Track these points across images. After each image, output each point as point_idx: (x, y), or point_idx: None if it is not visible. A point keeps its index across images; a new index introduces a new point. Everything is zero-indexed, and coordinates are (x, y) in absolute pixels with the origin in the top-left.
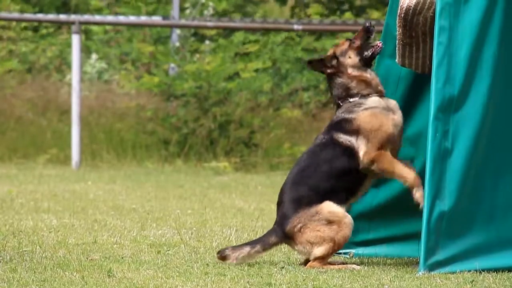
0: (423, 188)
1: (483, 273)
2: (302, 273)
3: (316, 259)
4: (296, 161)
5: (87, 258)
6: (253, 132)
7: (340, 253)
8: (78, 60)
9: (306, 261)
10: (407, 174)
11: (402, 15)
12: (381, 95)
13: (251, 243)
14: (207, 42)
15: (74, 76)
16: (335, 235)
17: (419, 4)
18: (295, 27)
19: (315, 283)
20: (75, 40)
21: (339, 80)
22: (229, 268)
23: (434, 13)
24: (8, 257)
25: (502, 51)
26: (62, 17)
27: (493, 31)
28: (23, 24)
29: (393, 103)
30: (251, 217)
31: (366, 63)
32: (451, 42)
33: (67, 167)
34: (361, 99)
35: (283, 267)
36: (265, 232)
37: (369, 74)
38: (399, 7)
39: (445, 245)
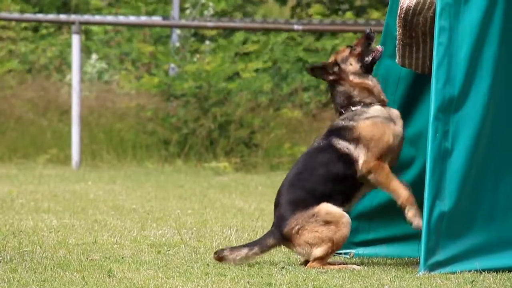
0: (415, 207)
1: (483, 273)
2: (302, 273)
3: (315, 259)
4: (294, 162)
5: (87, 258)
6: (253, 132)
7: (340, 253)
8: (78, 60)
9: (306, 261)
10: (401, 192)
11: (402, 15)
12: (383, 104)
13: (249, 245)
14: (207, 42)
15: (74, 76)
16: (333, 235)
17: (419, 5)
18: (295, 27)
19: (315, 283)
20: (75, 40)
21: (341, 88)
22: (229, 268)
23: (434, 13)
24: (8, 257)
25: (502, 52)
26: (62, 17)
27: (493, 32)
28: (23, 24)
29: (395, 112)
30: (251, 217)
31: (367, 69)
32: (451, 42)
33: (67, 167)
34: (364, 108)
35: (283, 267)
36: (265, 232)
37: (370, 81)
38: (399, 7)
39: (445, 245)
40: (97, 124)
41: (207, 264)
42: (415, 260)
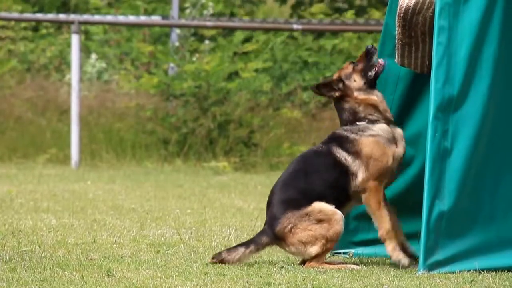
0: (395, 241)
1: (482, 273)
2: (301, 273)
3: (312, 258)
4: (291, 162)
5: (86, 258)
6: (253, 132)
7: (340, 253)
8: (77, 60)
9: (304, 261)
10: (385, 224)
11: (402, 15)
12: (388, 122)
13: (245, 244)
14: (206, 42)
15: (74, 76)
16: (326, 233)
17: (419, 4)
18: (295, 27)
19: (314, 282)
20: (75, 40)
21: (346, 105)
22: (228, 268)
23: (433, 13)
24: (7, 257)
25: (502, 51)
26: (62, 16)
27: (493, 31)
28: (23, 24)
29: (399, 132)
30: (250, 217)
31: (371, 84)
32: (451, 42)
33: (66, 167)
34: (369, 124)
35: (282, 267)
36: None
37: (375, 97)
38: (399, 7)
39: (444, 245)
40: (96, 123)
41: (206, 264)
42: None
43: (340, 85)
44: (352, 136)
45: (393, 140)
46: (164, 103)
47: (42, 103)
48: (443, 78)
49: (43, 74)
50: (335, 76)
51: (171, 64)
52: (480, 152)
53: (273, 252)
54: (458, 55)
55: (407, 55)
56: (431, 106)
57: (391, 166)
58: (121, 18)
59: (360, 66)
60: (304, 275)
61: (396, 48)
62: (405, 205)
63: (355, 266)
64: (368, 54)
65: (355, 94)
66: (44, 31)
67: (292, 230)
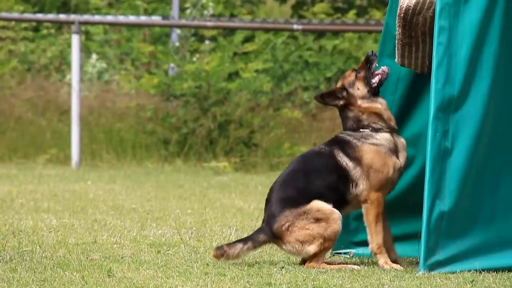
0: (386, 254)
1: (483, 273)
2: (302, 273)
3: (312, 258)
4: (291, 161)
5: (87, 258)
6: (253, 132)
7: (340, 253)
8: (77, 60)
9: (304, 261)
10: (378, 239)
11: (402, 15)
12: (392, 131)
13: (243, 240)
14: (207, 42)
15: (74, 76)
16: (324, 232)
17: (419, 4)
18: (295, 27)
19: (315, 283)
20: (75, 40)
21: (350, 113)
22: (229, 268)
23: (433, 13)
24: (8, 257)
25: (502, 51)
26: (62, 17)
27: (493, 31)
28: (23, 25)
29: (402, 142)
30: (250, 217)
31: (375, 91)
32: (451, 42)
33: (67, 167)
34: (372, 132)
35: (283, 267)
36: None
37: (380, 105)
38: (399, 7)
39: (445, 245)
40: (96, 124)
41: (207, 264)
42: (415, 260)
43: (344, 93)
44: (354, 141)
45: (395, 151)
46: (164, 103)
47: (42, 103)
48: (443, 78)
49: (44, 74)
50: (338, 85)
51: (172, 64)
52: (480, 152)
53: (274, 252)
54: (458, 55)
55: (407, 55)
56: (432, 106)
57: (391, 177)
58: (121, 18)
59: (362, 73)
60: (305, 275)
61: (396, 48)
62: (405, 205)
63: (355, 266)
64: (368, 62)
65: (359, 102)
66: (44, 31)
67: (290, 228)
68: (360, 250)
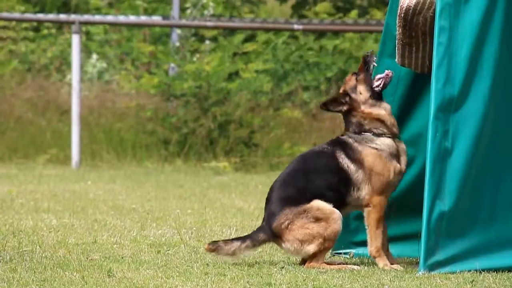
0: (384, 257)
1: (483, 273)
2: (302, 273)
3: (311, 258)
4: (291, 161)
5: (87, 258)
6: (253, 132)
7: (340, 253)
8: (78, 60)
9: (304, 261)
10: (377, 242)
11: (402, 15)
12: (394, 136)
13: (241, 238)
14: (207, 42)
15: (74, 76)
16: (324, 232)
17: (419, 4)
18: (295, 26)
19: (315, 283)
20: (75, 40)
21: (353, 119)
22: (229, 268)
23: (434, 13)
24: (8, 257)
25: (503, 51)
26: (62, 17)
27: (494, 31)
28: (24, 25)
29: (402, 147)
30: (251, 217)
31: (378, 95)
32: (451, 42)
33: (67, 167)
34: (373, 136)
35: (283, 267)
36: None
37: (383, 111)
38: (399, 7)
39: (445, 245)
40: (97, 124)
41: (207, 264)
42: (415, 260)
43: (347, 99)
44: (356, 144)
45: (396, 155)
46: (164, 103)
47: (42, 103)
48: (443, 78)
49: (44, 74)
50: (341, 90)
51: (172, 64)
52: (480, 152)
53: (274, 253)
54: (458, 55)
55: (408, 55)
56: (432, 106)
57: (392, 180)
58: (121, 18)
59: (362, 75)
60: (305, 275)
61: (396, 48)
62: (405, 205)
63: (355, 267)
64: (366, 63)
65: (362, 107)
66: (45, 31)
67: (289, 226)
68: (360, 250)
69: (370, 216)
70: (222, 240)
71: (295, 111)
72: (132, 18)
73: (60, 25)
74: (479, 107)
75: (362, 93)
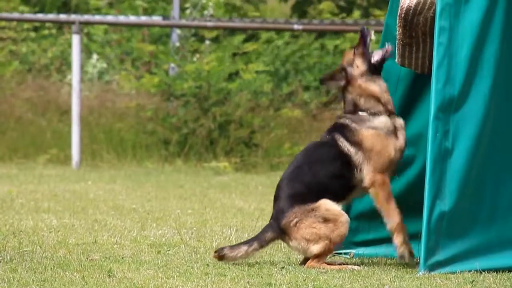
0: (405, 234)
1: (483, 273)
2: (302, 273)
3: (313, 258)
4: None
5: (87, 258)
6: (253, 132)
7: (341, 253)
8: (78, 60)
9: (305, 261)
10: (395, 217)
11: (402, 15)
12: (390, 113)
13: (248, 242)
14: (207, 42)
15: (74, 76)
16: (330, 234)
17: (419, 4)
18: (295, 27)
19: (315, 283)
20: (75, 40)
21: (349, 96)
22: (229, 268)
23: (434, 13)
24: (8, 257)
25: (503, 51)
26: (62, 17)
27: (494, 31)
28: (25, 25)
29: (400, 123)
30: (251, 217)
31: (376, 69)
32: (452, 42)
33: (67, 167)
34: (369, 116)
35: (283, 267)
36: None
37: (378, 87)
38: (399, 7)
39: (445, 245)
40: (97, 124)
41: (207, 264)
42: (415, 260)
43: (344, 73)
44: (353, 125)
45: (394, 132)
46: (164, 103)
47: (42, 103)
48: (444, 78)
49: (44, 75)
50: (338, 66)
51: (172, 64)
52: (481, 152)
53: (274, 253)
54: (459, 55)
55: (408, 55)
56: (432, 107)
57: (393, 157)
58: (121, 19)
59: (360, 49)
60: (305, 275)
61: (396, 48)
62: (406, 205)
63: (356, 267)
64: (364, 36)
65: (359, 81)
66: (45, 31)
67: (297, 224)
68: (360, 251)
69: (378, 195)
70: (229, 246)
71: (295, 111)
72: (132, 18)
73: (60, 25)
74: (479, 107)
75: (358, 66)
